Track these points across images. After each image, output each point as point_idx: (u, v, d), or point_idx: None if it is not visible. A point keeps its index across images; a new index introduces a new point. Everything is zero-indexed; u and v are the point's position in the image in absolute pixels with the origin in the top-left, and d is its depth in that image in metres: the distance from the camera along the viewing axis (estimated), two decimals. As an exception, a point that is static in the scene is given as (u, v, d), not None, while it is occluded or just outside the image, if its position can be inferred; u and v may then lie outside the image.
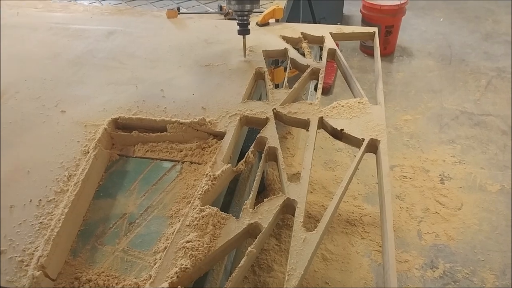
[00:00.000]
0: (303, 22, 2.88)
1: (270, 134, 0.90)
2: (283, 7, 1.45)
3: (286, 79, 1.13)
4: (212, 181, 0.77)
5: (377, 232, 1.53)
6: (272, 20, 1.47)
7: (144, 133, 0.94)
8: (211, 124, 0.93)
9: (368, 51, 3.08)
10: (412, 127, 2.18)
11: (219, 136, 0.92)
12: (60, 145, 0.91)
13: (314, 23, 2.73)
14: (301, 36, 1.34)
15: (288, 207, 0.74)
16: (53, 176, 0.82)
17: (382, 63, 2.95)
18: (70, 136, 0.93)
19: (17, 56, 1.30)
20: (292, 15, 2.66)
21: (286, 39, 1.34)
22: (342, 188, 0.80)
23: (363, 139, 0.87)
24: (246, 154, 0.86)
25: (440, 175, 1.83)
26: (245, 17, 1.13)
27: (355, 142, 0.89)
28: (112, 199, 0.82)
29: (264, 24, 1.44)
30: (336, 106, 0.98)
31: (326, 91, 2.55)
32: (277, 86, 1.31)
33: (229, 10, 1.60)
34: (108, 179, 0.86)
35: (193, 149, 0.91)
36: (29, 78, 1.18)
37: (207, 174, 0.79)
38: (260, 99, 1.00)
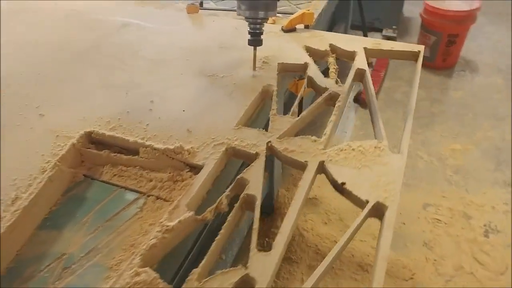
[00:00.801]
0: (353, 24, 2.64)
1: (255, 176, 0.75)
2: (314, 12, 1.27)
3: (296, 103, 0.96)
4: (163, 233, 0.64)
5: (392, 284, 1.32)
6: (301, 26, 1.29)
7: (116, 153, 0.83)
8: (189, 154, 0.80)
9: (423, 62, 2.76)
10: (460, 159, 1.90)
11: (197, 169, 0.79)
12: (22, 157, 0.82)
13: (363, 26, 2.49)
14: (328, 48, 1.15)
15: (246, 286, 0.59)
16: None
17: (439, 77, 2.63)
18: (36, 147, 0.84)
19: (23, 44, 1.25)
20: (339, 15, 2.43)
21: (310, 50, 1.17)
22: (336, 250, 0.63)
23: (367, 201, 0.69)
24: (219, 199, 0.72)
25: (485, 225, 1.56)
26: (257, 26, 0.97)
27: (357, 201, 0.71)
28: (58, 231, 0.71)
29: (290, 29, 1.27)
30: (345, 149, 0.80)
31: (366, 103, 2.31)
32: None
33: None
34: (62, 205, 0.76)
35: (164, 180, 0.79)
36: (25, 71, 1.11)
37: (160, 223, 0.66)
38: (267, 125, 0.85)
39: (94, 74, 1.09)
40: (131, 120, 0.91)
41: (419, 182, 1.79)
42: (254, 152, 0.80)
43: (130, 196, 0.77)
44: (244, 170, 0.76)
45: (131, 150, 0.84)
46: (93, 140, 0.87)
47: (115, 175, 0.82)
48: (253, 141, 0.83)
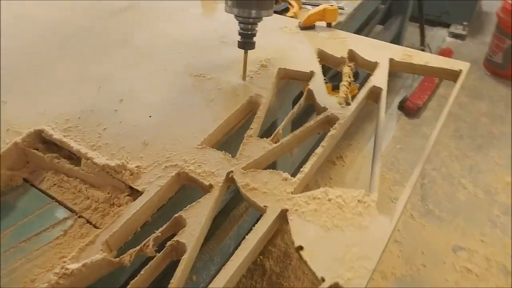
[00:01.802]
0: (412, 17, 2.33)
1: (197, 216, 0.62)
2: (337, 8, 1.07)
3: (285, 122, 0.80)
4: (59, 278, 0.54)
5: None
6: (322, 24, 1.11)
7: (60, 159, 0.74)
8: (131, 174, 0.68)
9: (493, 69, 2.40)
10: (512, 196, 1.62)
11: (137, 193, 0.67)
12: (-37, 150, 0.76)
13: (421, 19, 2.19)
14: (346, 56, 0.97)
15: None
16: None
17: (509, 88, 2.27)
18: (-19, 141, 0.77)
19: (9, 21, 1.20)
20: (397, 5, 2.16)
21: (323, 56, 0.99)
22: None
23: (323, 279, 0.54)
24: (146, 240, 0.60)
25: (525, 285, 1.30)
26: (249, 26, 0.82)
27: (312, 275, 0.56)
28: (-30, 246, 0.64)
29: (307, 27, 1.10)
30: (320, 198, 0.64)
31: (413, 112, 2.05)
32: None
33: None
34: (-12, 213, 0.69)
35: (100, 201, 0.69)
36: (7, 51, 1.05)
37: (62, 263, 0.56)
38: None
39: (73, 63, 1.00)
40: (91, 122, 0.81)
41: (455, 217, 1.55)
42: (208, 183, 0.67)
43: (61, 213, 0.69)
44: (187, 207, 0.64)
45: (75, 159, 0.75)
46: (45, 140, 0.79)
47: (55, 184, 0.73)
48: (213, 168, 0.70)
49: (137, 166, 0.70)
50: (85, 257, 0.57)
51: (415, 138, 1.92)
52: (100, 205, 0.68)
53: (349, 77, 0.93)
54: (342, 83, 0.91)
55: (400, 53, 0.97)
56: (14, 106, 0.86)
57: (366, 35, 1.97)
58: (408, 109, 2.06)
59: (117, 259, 0.58)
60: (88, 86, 0.91)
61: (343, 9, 1.32)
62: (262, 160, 0.72)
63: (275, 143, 0.75)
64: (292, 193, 0.65)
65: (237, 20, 0.82)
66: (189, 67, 0.96)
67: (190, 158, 0.72)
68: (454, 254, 1.40)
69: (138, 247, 0.60)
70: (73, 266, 0.55)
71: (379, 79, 0.89)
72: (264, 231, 0.60)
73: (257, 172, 0.69)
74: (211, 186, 0.67)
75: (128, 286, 0.54)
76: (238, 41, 0.85)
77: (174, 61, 0.98)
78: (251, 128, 0.77)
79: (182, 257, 0.57)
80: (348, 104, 0.84)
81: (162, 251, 0.59)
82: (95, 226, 0.66)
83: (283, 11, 1.24)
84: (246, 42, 0.84)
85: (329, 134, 0.75)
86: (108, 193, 0.69)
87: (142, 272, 0.56)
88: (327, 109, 0.81)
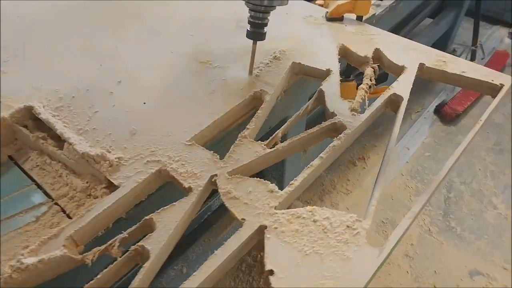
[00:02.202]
0: (469, 10, 2.13)
1: (169, 220, 0.58)
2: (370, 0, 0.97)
3: (286, 125, 0.74)
4: (13, 272, 0.51)
5: None
6: (352, 16, 1.01)
7: (45, 140, 0.72)
8: (110, 166, 0.65)
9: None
10: (548, 225, 1.47)
11: (113, 187, 0.64)
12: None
13: (476, 15, 2.00)
14: (370, 55, 0.88)
15: None
16: None
17: None
18: (-27, 111, 0.76)
19: None
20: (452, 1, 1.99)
21: (345, 53, 0.91)
22: None
23: (288, 314, 0.48)
24: (111, 241, 0.57)
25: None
26: (259, 15, 0.75)
27: (279, 306, 0.51)
28: None
29: (334, 18, 1.00)
30: (304, 217, 0.58)
31: (450, 119, 1.90)
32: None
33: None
34: (-34, 188, 0.68)
35: (78, 190, 0.66)
36: (15, 19, 1.03)
37: (20, 255, 0.54)
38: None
39: (81, 36, 0.96)
40: (83, 102, 0.78)
41: (477, 238, 1.43)
42: (188, 185, 0.62)
43: (37, 198, 0.66)
44: (160, 209, 0.59)
45: (60, 141, 0.72)
46: (36, 117, 0.77)
47: (37, 165, 0.71)
48: (197, 168, 0.65)
49: (118, 158, 0.66)
50: (45, 252, 0.55)
51: (447, 147, 1.78)
52: (77, 194, 0.65)
53: (370, 80, 0.85)
54: (361, 86, 0.83)
55: (433, 58, 0.87)
56: (12, 78, 0.84)
57: (411, 30, 1.83)
58: (445, 115, 1.91)
59: (80, 256, 0.55)
60: (90, 62, 0.88)
61: (381, 0, 1.20)
62: (252, 166, 0.66)
63: (271, 147, 0.69)
64: (275, 208, 0.59)
65: (247, 6, 0.74)
66: (197, 51, 0.90)
67: (175, 155, 0.67)
68: (470, 279, 1.30)
69: (103, 246, 0.56)
70: (29, 260, 0.52)
71: (402, 86, 0.80)
72: (237, 247, 0.55)
73: (242, 179, 0.63)
74: (190, 189, 0.62)
75: (82, 290, 0.51)
76: (247, 30, 0.78)
77: (184, 43, 0.93)
78: (247, 128, 0.71)
79: (143, 265, 0.53)
80: (357, 111, 0.76)
81: (125, 255, 0.55)
82: (68, 216, 0.63)
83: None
84: (256, 32, 0.77)
85: (331, 144, 0.68)
86: (87, 182, 0.66)
87: (99, 276, 0.53)
88: (335, 115, 0.74)
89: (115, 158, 0.66)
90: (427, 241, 1.42)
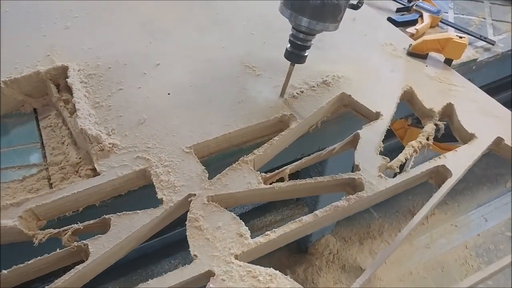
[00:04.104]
0: None
1: (123, 227, 0.54)
2: (466, 43, 0.81)
3: (289, 167, 0.65)
4: (-37, 226, 0.53)
5: None
6: (439, 56, 0.86)
7: (66, 104, 0.74)
8: (101, 150, 0.63)
9: None
10: None
11: (96, 173, 0.62)
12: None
13: None
14: (438, 109, 0.73)
15: None
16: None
17: None
18: (26, 56, 0.80)
19: None
20: None
21: (410, 99, 0.78)
22: None
23: None
24: (66, 228, 0.55)
25: None
26: (300, 35, 0.66)
27: None
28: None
29: (416, 54, 0.86)
30: (261, 280, 0.49)
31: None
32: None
33: (411, 6, 1.04)
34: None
35: (69, 163, 0.66)
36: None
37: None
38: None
39: (148, 7, 0.96)
40: (114, 76, 0.78)
41: None
42: (161, 197, 0.58)
43: (34, 158, 0.68)
44: (122, 213, 0.56)
45: (76, 108, 0.73)
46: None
47: (50, 126, 0.74)
48: (180, 181, 0.60)
49: (112, 144, 0.64)
50: (3, 216, 0.55)
51: (537, 235, 1.48)
52: (67, 167, 0.66)
53: (427, 139, 0.70)
54: (411, 143, 0.69)
55: (518, 134, 0.69)
56: (70, 34, 0.87)
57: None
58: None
59: (31, 233, 0.55)
60: (142, 38, 0.88)
61: (492, 44, 1.00)
62: (238, 197, 0.60)
63: (269, 183, 0.61)
64: (236, 256, 0.52)
65: (290, 23, 0.66)
66: (248, 54, 0.84)
67: (167, 159, 0.63)
68: None
69: (56, 230, 0.56)
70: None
71: (458, 159, 0.65)
72: (174, 284, 0.50)
73: (218, 210, 0.57)
74: (161, 201, 0.58)
75: (10, 269, 0.51)
76: (286, 49, 0.69)
77: (239, 41, 0.88)
78: (253, 153, 0.64)
79: (76, 267, 0.51)
80: (395, 171, 0.64)
81: (66, 248, 0.53)
82: (50, 185, 0.64)
83: (408, 23, 1.00)
84: (294, 53, 0.68)
85: (335, 203, 0.58)
86: (80, 158, 0.66)
87: (31, 261, 0.52)
88: (359, 169, 0.63)
89: (109, 144, 0.64)
90: None
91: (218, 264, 0.51)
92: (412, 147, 0.69)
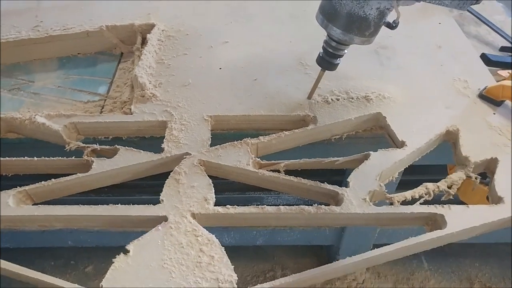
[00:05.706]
0: None
1: (121, 161, 0.65)
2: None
3: (290, 163, 0.67)
4: None
5: None
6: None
7: (140, 53, 0.88)
8: (142, 96, 0.75)
9: None
10: None
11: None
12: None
13: None
14: (476, 161, 0.66)
15: None
16: None
17: None
18: (127, 12, 0.98)
19: None
20: None
21: (454, 140, 0.71)
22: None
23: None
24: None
25: None
26: (332, 43, 0.66)
27: None
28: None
29: (491, 99, 0.77)
30: (199, 242, 0.55)
31: None
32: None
33: None
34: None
35: (118, 100, 0.80)
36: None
37: (34, 114, 0.72)
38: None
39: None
40: (187, 42, 0.90)
41: None
42: (163, 146, 0.67)
43: (103, 89, 0.84)
44: (129, 148, 0.67)
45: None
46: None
47: (124, 69, 0.89)
48: (186, 139, 0.68)
49: (153, 94, 0.76)
50: (54, 122, 0.71)
51: None
52: (118, 102, 0.79)
53: (450, 187, 0.65)
54: (427, 184, 0.65)
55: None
56: (174, 2, 1.01)
57: None
58: None
59: (68, 140, 0.69)
60: (227, 17, 0.98)
61: None
62: (223, 170, 0.66)
63: (261, 168, 0.65)
64: (194, 215, 0.58)
65: (325, 29, 0.67)
66: (308, 52, 0.86)
67: (187, 119, 0.72)
68: None
69: (82, 144, 0.69)
70: (39, 119, 0.70)
71: (466, 216, 0.59)
72: (134, 215, 0.58)
73: (201, 174, 0.64)
74: (162, 150, 0.67)
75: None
76: (319, 54, 0.70)
77: (307, 38, 0.90)
78: (258, 139, 0.68)
79: (77, 174, 0.63)
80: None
81: (78, 158, 0.66)
82: (100, 112, 0.78)
83: (503, 64, 0.88)
84: (325, 59, 0.69)
85: (302, 206, 0.59)
86: (128, 98, 0.79)
87: (42, 158, 0.66)
88: (349, 186, 0.62)
89: (150, 93, 0.76)
90: None
91: (174, 214, 0.58)
92: (426, 188, 0.64)
